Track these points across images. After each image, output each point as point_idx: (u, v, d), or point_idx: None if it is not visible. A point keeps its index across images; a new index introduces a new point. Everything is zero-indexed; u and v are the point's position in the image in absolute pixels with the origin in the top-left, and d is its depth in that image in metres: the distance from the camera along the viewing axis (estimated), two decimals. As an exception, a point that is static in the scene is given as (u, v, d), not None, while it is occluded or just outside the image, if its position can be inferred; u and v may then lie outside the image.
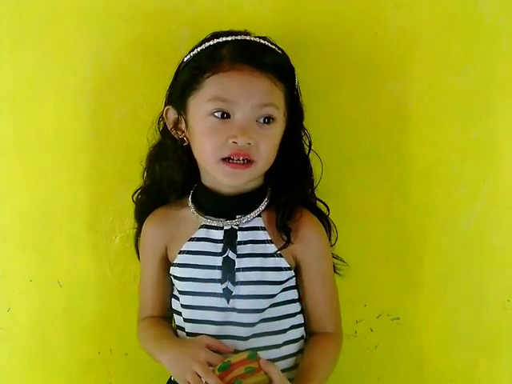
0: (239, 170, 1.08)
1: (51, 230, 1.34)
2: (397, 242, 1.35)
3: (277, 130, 1.11)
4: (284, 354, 1.14)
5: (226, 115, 1.07)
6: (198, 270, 1.13)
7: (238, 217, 1.14)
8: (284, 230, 1.13)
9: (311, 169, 1.21)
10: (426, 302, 1.36)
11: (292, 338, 1.16)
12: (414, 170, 1.33)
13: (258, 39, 1.12)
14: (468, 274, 1.36)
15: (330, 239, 1.23)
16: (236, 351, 1.08)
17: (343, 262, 1.25)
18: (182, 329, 1.16)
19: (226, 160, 1.08)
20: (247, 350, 1.07)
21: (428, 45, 1.30)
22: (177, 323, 1.18)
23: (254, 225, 1.14)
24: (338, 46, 1.30)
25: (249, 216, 1.14)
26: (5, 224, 1.34)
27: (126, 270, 1.33)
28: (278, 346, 1.13)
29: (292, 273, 1.15)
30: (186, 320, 1.15)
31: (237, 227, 1.14)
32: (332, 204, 1.31)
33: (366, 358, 1.37)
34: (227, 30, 1.13)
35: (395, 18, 1.28)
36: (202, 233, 1.15)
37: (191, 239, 1.15)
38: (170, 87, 1.16)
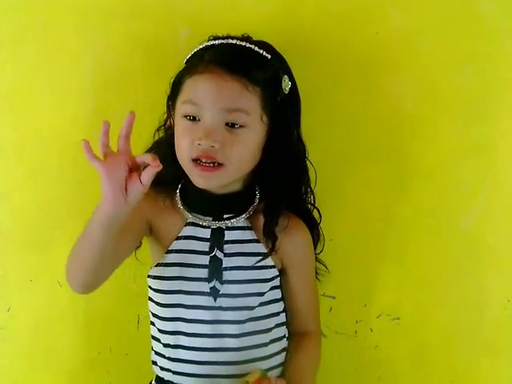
0: (207, 172, 1.07)
1: (51, 230, 1.34)
2: (397, 242, 1.35)
3: (249, 135, 1.09)
4: (270, 352, 1.16)
5: (195, 118, 1.08)
6: (185, 268, 1.13)
7: (225, 217, 1.14)
8: (270, 237, 1.14)
9: (307, 176, 1.21)
10: (426, 302, 1.36)
11: (277, 337, 1.17)
12: (414, 170, 1.33)
13: (244, 43, 1.11)
14: (468, 273, 1.36)
15: (315, 247, 1.24)
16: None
17: (326, 268, 1.27)
18: (169, 332, 1.14)
19: (196, 161, 1.08)
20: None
21: (428, 45, 1.30)
22: (159, 327, 1.16)
23: (241, 224, 1.15)
24: (338, 46, 1.30)
25: (237, 219, 1.14)
26: (5, 224, 1.34)
27: (126, 269, 1.32)
28: (265, 345, 1.15)
29: (276, 271, 1.16)
30: (172, 319, 1.13)
31: (224, 226, 1.14)
32: (331, 204, 1.31)
33: (366, 358, 1.37)
34: (227, 33, 1.13)
35: (395, 18, 1.28)
36: (189, 230, 1.15)
37: (178, 238, 1.15)
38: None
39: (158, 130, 1.21)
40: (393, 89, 1.31)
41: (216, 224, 1.14)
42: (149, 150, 1.18)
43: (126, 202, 0.97)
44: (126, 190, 0.96)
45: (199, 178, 1.10)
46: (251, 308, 1.13)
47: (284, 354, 1.19)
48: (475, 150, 1.33)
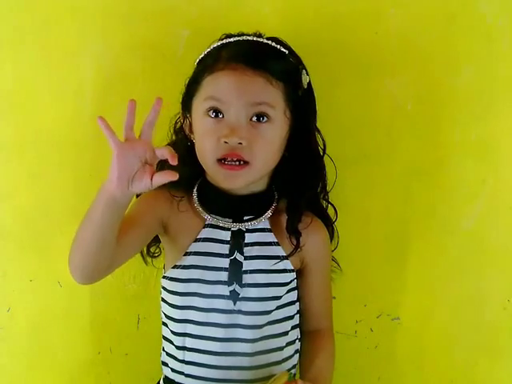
0: (234, 171, 1.06)
1: (51, 230, 1.34)
2: (397, 242, 1.35)
3: (274, 131, 1.08)
4: (285, 355, 1.15)
5: (219, 114, 1.07)
6: (204, 271, 1.11)
7: (245, 218, 1.13)
8: (295, 234, 1.13)
9: (325, 173, 1.20)
10: (426, 302, 1.36)
11: (292, 339, 1.16)
12: (414, 170, 1.33)
13: (261, 39, 1.11)
14: (468, 273, 1.36)
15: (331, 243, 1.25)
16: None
17: (338, 266, 1.28)
18: (179, 334, 1.13)
19: (221, 161, 1.07)
20: (284, 372, 1.10)
21: (428, 45, 1.30)
22: (172, 329, 1.15)
23: (261, 226, 1.14)
24: (338, 46, 1.29)
25: (258, 220, 1.13)
26: (5, 224, 1.34)
27: (126, 270, 1.33)
28: (281, 349, 1.14)
29: (294, 275, 1.16)
30: (185, 321, 1.12)
31: (244, 229, 1.13)
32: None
33: (366, 358, 1.37)
34: (239, 31, 1.14)
35: (395, 18, 1.28)
36: (208, 233, 1.13)
37: (197, 240, 1.13)
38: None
39: (176, 131, 1.19)
40: (392, 89, 1.30)
41: (236, 226, 1.13)
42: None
43: (129, 190, 0.94)
44: (132, 179, 0.94)
45: (225, 180, 1.08)
46: (269, 312, 1.12)
47: (297, 355, 1.18)
48: (476, 151, 1.32)
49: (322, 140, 1.19)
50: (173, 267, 1.13)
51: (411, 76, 1.30)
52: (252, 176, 1.09)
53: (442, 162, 1.33)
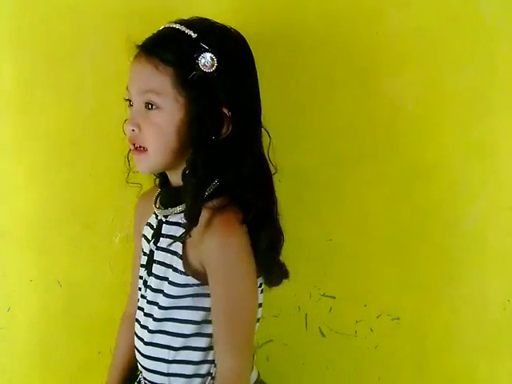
0: (136, 155, 1.08)
1: (51, 230, 1.34)
2: (397, 242, 1.35)
3: (162, 117, 1.05)
4: (172, 371, 1.08)
5: (130, 103, 1.09)
6: (142, 254, 1.17)
7: (167, 209, 1.10)
8: (186, 221, 1.03)
9: (249, 162, 1.07)
10: (425, 302, 1.36)
11: (191, 345, 1.07)
12: (415, 170, 1.33)
13: (173, 25, 1.08)
14: (468, 273, 1.36)
15: (275, 249, 1.10)
16: None
17: (286, 275, 1.13)
18: None
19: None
20: None
21: (428, 45, 1.30)
22: None
23: (178, 220, 1.09)
24: (338, 46, 1.30)
25: (173, 209, 1.09)
26: (5, 224, 1.34)
27: (126, 269, 1.33)
28: (176, 349, 1.07)
29: (191, 279, 1.05)
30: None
31: (164, 219, 1.11)
32: (332, 204, 1.31)
33: (366, 358, 1.37)
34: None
35: (395, 18, 1.28)
36: (151, 219, 1.16)
37: (146, 223, 1.16)
38: None
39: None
40: (393, 89, 1.31)
41: (160, 214, 1.12)
42: None
43: None
44: None
45: (135, 164, 1.11)
46: (163, 308, 1.07)
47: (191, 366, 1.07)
48: (476, 151, 1.33)
49: (256, 130, 1.11)
50: None
51: (411, 76, 1.30)
52: (151, 161, 1.08)
53: (442, 162, 1.33)
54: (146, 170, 1.10)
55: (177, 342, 1.07)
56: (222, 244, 1.02)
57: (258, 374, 1.15)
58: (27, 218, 1.34)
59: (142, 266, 1.16)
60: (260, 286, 1.10)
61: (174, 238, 1.06)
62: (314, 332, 1.35)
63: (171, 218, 1.10)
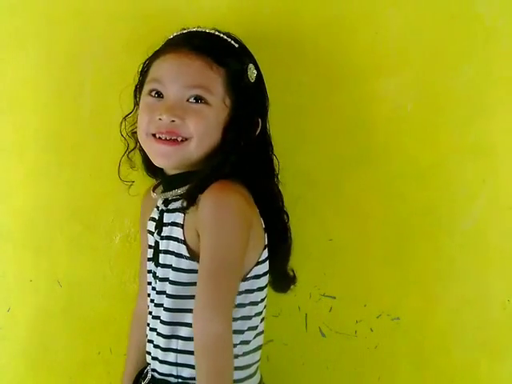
0: (169, 146, 1.07)
1: (51, 230, 1.34)
2: (397, 242, 1.35)
3: (210, 113, 1.08)
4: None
5: (159, 95, 1.09)
6: (146, 247, 1.18)
7: (164, 193, 1.13)
8: (185, 197, 1.06)
9: (268, 167, 1.16)
10: (426, 302, 1.36)
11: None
12: (414, 171, 1.33)
13: (212, 31, 1.13)
14: (468, 273, 1.35)
15: (281, 249, 1.16)
16: None
17: (293, 282, 1.21)
18: None
19: (156, 137, 1.09)
20: None
21: (427, 45, 1.30)
22: None
23: (177, 206, 1.10)
24: (338, 46, 1.30)
25: (171, 192, 1.11)
26: (5, 224, 1.35)
27: (126, 269, 1.33)
28: (191, 339, 1.04)
29: (196, 264, 1.05)
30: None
31: (165, 208, 1.12)
32: (332, 204, 1.31)
33: (366, 358, 1.37)
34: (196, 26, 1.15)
35: (395, 18, 1.28)
36: (154, 213, 1.16)
37: (150, 218, 1.17)
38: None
39: (124, 118, 1.21)
40: (392, 89, 1.31)
41: (161, 205, 1.13)
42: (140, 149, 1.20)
43: None
44: None
45: (159, 156, 1.10)
46: (177, 297, 1.08)
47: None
48: (475, 151, 1.32)
49: (269, 138, 1.17)
50: None
51: (411, 76, 1.30)
52: (188, 153, 1.08)
53: (441, 162, 1.33)
54: (175, 164, 1.11)
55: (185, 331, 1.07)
56: (214, 202, 1.03)
57: (261, 378, 1.16)
58: (27, 218, 1.34)
59: (149, 259, 1.16)
60: (265, 286, 1.13)
61: (178, 208, 1.07)
62: (314, 332, 1.35)
63: (171, 206, 1.11)
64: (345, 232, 1.32)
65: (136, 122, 1.17)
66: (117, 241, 1.34)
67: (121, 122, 1.22)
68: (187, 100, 1.08)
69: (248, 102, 1.12)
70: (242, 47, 1.14)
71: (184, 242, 1.07)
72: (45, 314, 1.36)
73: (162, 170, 1.16)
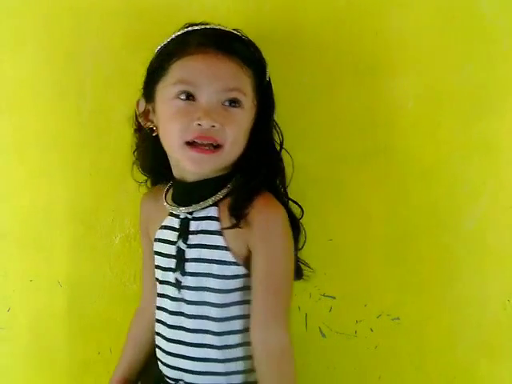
0: (205, 154, 1.05)
1: (51, 230, 1.34)
2: (397, 242, 1.35)
3: (244, 116, 1.07)
4: (226, 357, 1.09)
5: (190, 97, 1.05)
6: (162, 258, 1.14)
7: (193, 205, 1.10)
8: (233, 213, 1.06)
9: (283, 166, 1.16)
10: (425, 302, 1.36)
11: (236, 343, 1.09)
12: (415, 170, 1.33)
13: (225, 28, 1.10)
14: (468, 273, 1.35)
15: (297, 242, 1.16)
16: None
17: (309, 267, 1.19)
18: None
19: (191, 144, 1.05)
20: None
21: (428, 44, 1.30)
22: None
23: (208, 214, 1.09)
24: (338, 46, 1.29)
25: (202, 203, 1.09)
26: (5, 224, 1.35)
27: (126, 270, 1.33)
28: (218, 348, 1.09)
29: (241, 269, 1.07)
30: (157, 307, 1.16)
31: (190, 216, 1.11)
32: (332, 204, 1.31)
33: (366, 357, 1.37)
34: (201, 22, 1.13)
35: (395, 17, 1.28)
36: (168, 221, 1.14)
37: (161, 227, 1.15)
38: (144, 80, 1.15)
39: (137, 125, 1.18)
40: (393, 89, 1.30)
41: (183, 212, 1.11)
42: (137, 149, 1.19)
43: None
44: None
45: (193, 163, 1.06)
46: (212, 304, 1.08)
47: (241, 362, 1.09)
48: (477, 150, 1.32)
49: (281, 135, 1.16)
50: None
51: (411, 76, 1.30)
52: (220, 160, 1.07)
53: (442, 161, 1.33)
54: (207, 170, 1.09)
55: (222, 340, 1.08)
56: (267, 218, 1.06)
57: None
58: (28, 218, 1.34)
59: (166, 269, 1.13)
60: None
61: (231, 226, 1.05)
62: (314, 332, 1.35)
63: (197, 214, 1.10)
64: (345, 232, 1.32)
65: (148, 121, 1.13)
66: (117, 241, 1.34)
67: (137, 122, 1.17)
68: (222, 103, 1.05)
69: (269, 101, 1.12)
70: (255, 46, 1.13)
71: (227, 249, 1.07)
72: (45, 314, 1.36)
73: (171, 173, 1.14)
